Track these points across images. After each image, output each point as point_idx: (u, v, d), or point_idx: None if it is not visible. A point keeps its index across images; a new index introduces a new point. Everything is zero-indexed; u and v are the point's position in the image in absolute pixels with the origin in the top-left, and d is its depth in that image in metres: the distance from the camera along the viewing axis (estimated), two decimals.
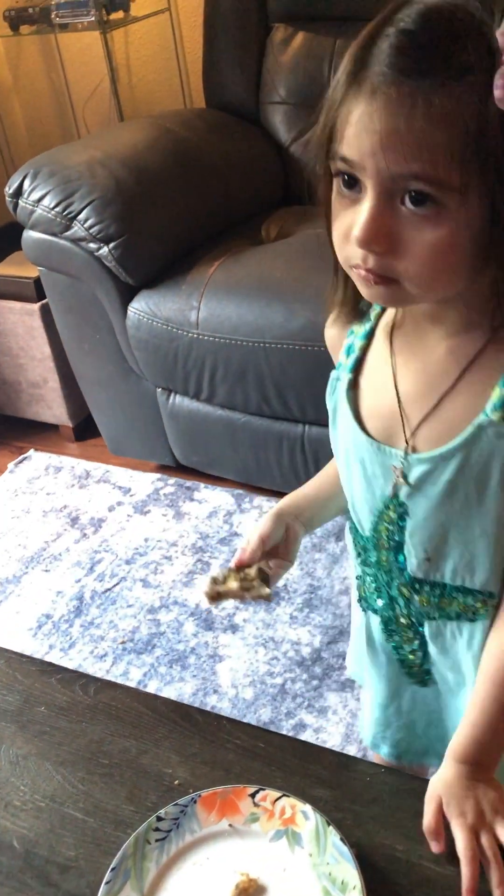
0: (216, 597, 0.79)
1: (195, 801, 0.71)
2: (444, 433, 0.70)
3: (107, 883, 0.66)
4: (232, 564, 0.81)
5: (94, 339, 2.01)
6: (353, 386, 0.77)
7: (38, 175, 1.85)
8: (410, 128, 0.54)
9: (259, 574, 0.79)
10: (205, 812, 0.71)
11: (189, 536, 1.96)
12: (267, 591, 0.78)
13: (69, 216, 1.79)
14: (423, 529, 0.74)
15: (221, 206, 2.05)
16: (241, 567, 0.80)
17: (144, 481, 2.17)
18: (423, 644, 0.82)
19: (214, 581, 0.80)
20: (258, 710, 1.51)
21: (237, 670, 1.60)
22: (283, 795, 0.70)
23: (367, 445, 0.75)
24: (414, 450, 0.72)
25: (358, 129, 0.57)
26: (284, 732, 1.45)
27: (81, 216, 1.78)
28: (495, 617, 0.76)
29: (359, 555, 0.86)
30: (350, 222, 0.61)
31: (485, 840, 0.65)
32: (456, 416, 0.69)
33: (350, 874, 0.63)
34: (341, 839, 0.66)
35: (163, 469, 2.21)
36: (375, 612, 0.85)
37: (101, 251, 1.80)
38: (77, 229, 1.79)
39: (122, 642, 1.70)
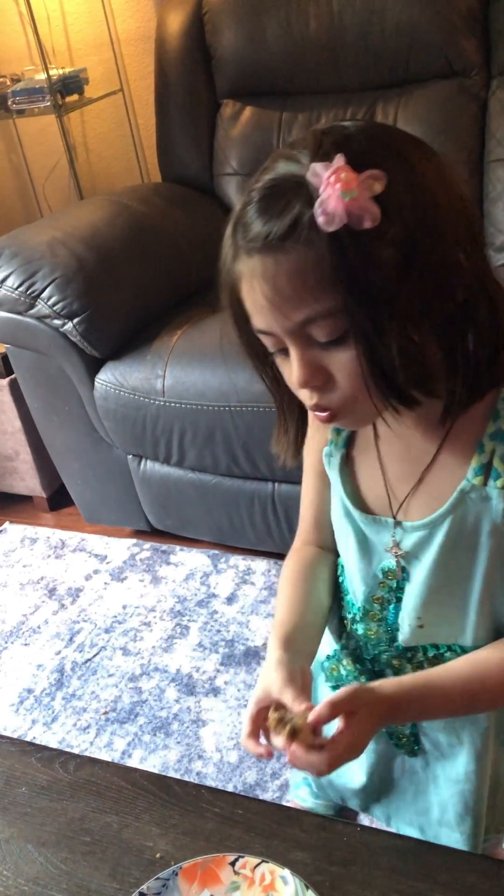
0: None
1: (176, 874, 0.72)
2: (432, 502, 0.76)
3: None
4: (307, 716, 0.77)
5: (63, 411, 2.05)
6: (347, 461, 0.83)
7: (0, 256, 1.90)
8: (283, 286, 0.63)
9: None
10: (186, 884, 0.72)
11: (167, 601, 1.97)
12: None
13: (33, 295, 1.84)
14: (418, 596, 0.79)
15: (181, 276, 2.11)
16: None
17: (120, 548, 2.19)
18: None
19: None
20: (243, 773, 1.51)
21: (221, 734, 1.60)
22: (263, 861, 0.71)
23: (361, 518, 0.81)
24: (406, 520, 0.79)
25: (255, 308, 0.67)
26: (270, 793, 1.45)
27: (45, 294, 1.83)
28: None
29: (341, 632, 0.88)
30: (291, 374, 0.69)
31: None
32: (441, 487, 0.76)
33: None
34: None
35: (138, 534, 2.23)
36: None
37: (65, 327, 1.84)
38: (41, 307, 1.84)
39: (105, 713, 1.70)
